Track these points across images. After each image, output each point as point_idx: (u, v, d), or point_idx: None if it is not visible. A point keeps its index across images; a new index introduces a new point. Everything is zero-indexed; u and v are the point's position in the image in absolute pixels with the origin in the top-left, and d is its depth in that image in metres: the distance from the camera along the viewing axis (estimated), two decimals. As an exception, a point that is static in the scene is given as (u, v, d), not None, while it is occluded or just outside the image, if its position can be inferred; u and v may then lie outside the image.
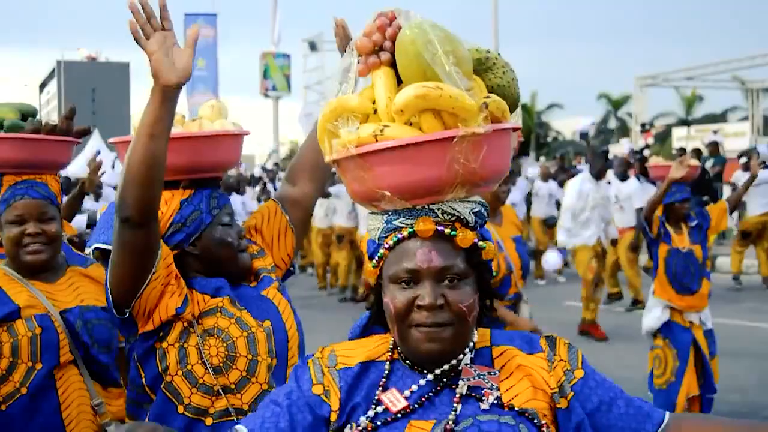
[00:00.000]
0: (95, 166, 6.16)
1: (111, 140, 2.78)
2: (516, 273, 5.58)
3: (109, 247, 2.56)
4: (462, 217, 1.76)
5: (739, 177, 13.27)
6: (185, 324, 2.50)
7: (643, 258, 14.16)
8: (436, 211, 1.76)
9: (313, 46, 34.08)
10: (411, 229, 1.76)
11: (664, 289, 6.49)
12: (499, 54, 1.89)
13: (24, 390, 2.94)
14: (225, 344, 2.49)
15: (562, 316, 10.54)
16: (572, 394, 1.76)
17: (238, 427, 1.77)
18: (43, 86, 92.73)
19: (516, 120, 1.90)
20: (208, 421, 2.47)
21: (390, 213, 1.79)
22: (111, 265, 2.43)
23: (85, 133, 3.38)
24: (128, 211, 2.29)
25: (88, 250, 2.76)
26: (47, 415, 2.97)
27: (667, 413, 1.79)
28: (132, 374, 2.58)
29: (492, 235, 5.03)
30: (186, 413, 2.47)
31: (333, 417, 1.77)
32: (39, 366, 2.94)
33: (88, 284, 3.21)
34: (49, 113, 78.87)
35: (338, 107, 1.81)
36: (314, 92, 34.15)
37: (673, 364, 6.35)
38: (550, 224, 14.75)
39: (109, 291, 2.45)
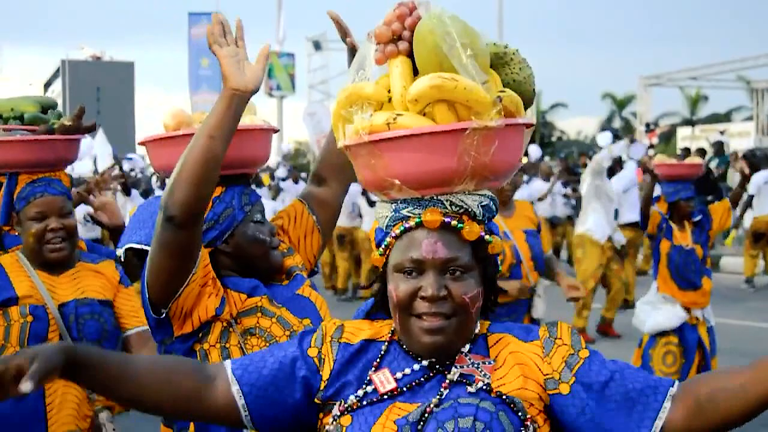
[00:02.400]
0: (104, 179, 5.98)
1: (141, 140, 2.75)
2: (527, 264, 5.55)
3: (142, 247, 2.57)
4: (470, 209, 1.77)
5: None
6: (224, 324, 2.49)
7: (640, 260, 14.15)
8: (444, 202, 1.76)
9: (317, 46, 34.08)
10: (418, 219, 1.77)
11: (667, 285, 6.49)
12: (517, 50, 1.89)
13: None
14: (268, 343, 2.46)
15: (566, 315, 10.52)
16: (574, 379, 1.74)
17: (225, 362, 1.85)
18: (47, 85, 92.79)
19: (530, 116, 1.90)
20: None
21: (399, 202, 1.80)
22: (149, 264, 2.39)
23: (92, 129, 3.48)
24: (175, 210, 2.26)
25: (119, 251, 2.77)
26: (30, 400, 3.01)
27: (676, 381, 1.77)
28: None
29: (499, 227, 5.01)
30: None
31: (321, 385, 1.80)
32: None
33: (92, 278, 3.34)
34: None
35: (353, 94, 1.82)
36: (318, 91, 34.16)
37: (681, 361, 6.35)
38: (554, 223, 14.72)
39: (146, 290, 2.43)
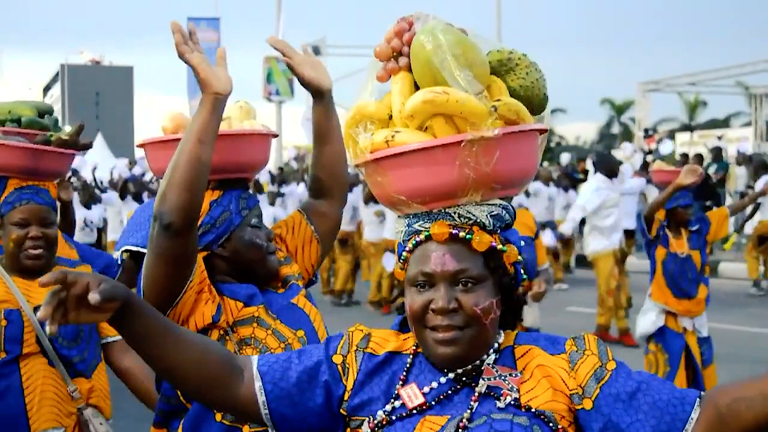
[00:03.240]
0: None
1: (140, 142, 2.75)
2: None
3: (139, 249, 2.57)
4: (479, 220, 1.76)
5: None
6: (221, 332, 2.47)
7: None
8: (452, 214, 1.77)
9: (316, 51, 34.06)
10: (427, 233, 1.78)
11: (662, 292, 6.49)
12: (524, 54, 1.87)
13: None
14: None
15: (565, 322, 10.53)
16: (598, 391, 1.73)
17: (252, 357, 1.88)
18: (47, 90, 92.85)
19: (543, 121, 1.89)
20: (245, 430, 2.44)
21: (411, 216, 1.81)
22: (145, 274, 2.38)
23: (88, 146, 3.57)
24: (171, 217, 2.25)
25: (116, 254, 2.77)
26: (11, 398, 3.19)
27: (701, 392, 1.76)
28: (165, 385, 2.55)
29: None
30: (224, 421, 2.44)
31: (345, 395, 1.82)
32: (2, 354, 3.18)
33: None
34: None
35: (357, 114, 1.84)
36: (317, 96, 34.13)
37: (664, 369, 6.34)
38: (549, 228, 14.70)
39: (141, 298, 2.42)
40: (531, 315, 5.68)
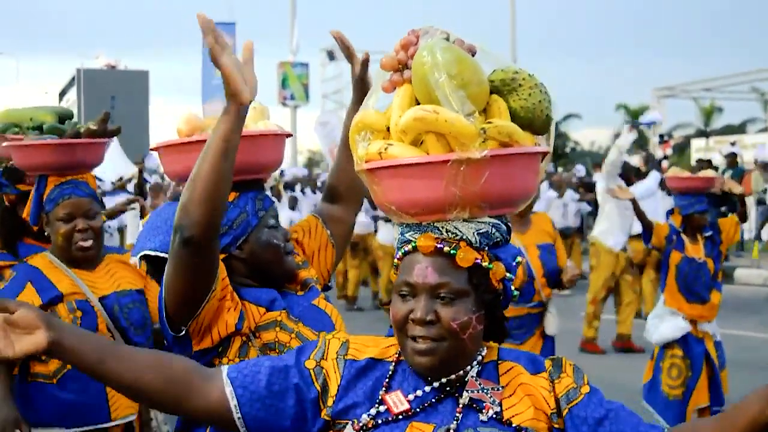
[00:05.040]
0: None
1: (153, 145, 2.74)
2: (539, 281, 5.54)
3: (157, 254, 2.55)
4: (465, 237, 1.78)
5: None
6: (243, 339, 2.46)
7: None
8: (440, 228, 1.79)
9: (331, 56, 34.12)
10: (414, 244, 1.80)
11: (674, 298, 6.49)
12: (530, 75, 1.86)
13: (69, 366, 3.16)
14: None
15: (578, 327, 10.50)
16: (567, 410, 1.78)
17: (222, 366, 1.90)
18: (62, 94, 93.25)
19: (544, 142, 1.88)
20: None
21: (404, 225, 1.84)
22: (167, 285, 2.33)
23: (117, 132, 3.64)
24: (193, 231, 2.18)
25: (133, 259, 2.80)
26: (93, 389, 3.31)
27: (666, 427, 1.82)
28: None
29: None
30: None
31: (329, 401, 1.84)
32: None
33: (123, 270, 3.57)
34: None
35: (360, 121, 1.88)
36: (332, 101, 34.21)
37: (687, 374, 6.35)
38: (565, 234, 14.68)
39: (163, 309, 2.39)
40: (552, 323, 5.65)
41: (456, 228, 1.78)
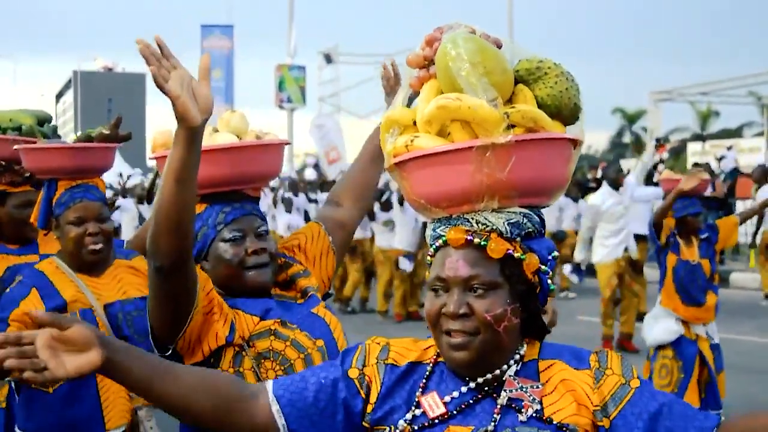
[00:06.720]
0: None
1: (152, 155, 2.73)
2: None
3: None
4: (495, 227, 1.76)
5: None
6: (236, 349, 2.44)
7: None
8: (470, 220, 1.77)
9: (328, 59, 34.15)
10: (444, 238, 1.79)
11: (671, 299, 6.51)
12: (556, 63, 1.87)
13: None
14: (283, 367, 2.43)
15: (575, 331, 10.51)
16: (617, 412, 1.73)
17: (267, 382, 1.87)
18: (59, 96, 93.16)
19: (575, 130, 1.87)
20: None
21: (435, 221, 1.83)
22: (149, 307, 2.33)
23: (128, 138, 3.66)
24: (163, 261, 2.18)
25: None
26: (88, 398, 3.32)
27: (721, 416, 1.77)
28: None
29: None
30: None
31: (368, 408, 1.82)
32: None
33: (131, 276, 3.55)
34: (65, 123, 79.24)
35: (387, 118, 1.89)
36: (329, 104, 34.22)
37: (677, 376, 6.36)
38: (559, 237, 14.66)
39: (150, 330, 2.39)
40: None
41: (486, 219, 1.75)
